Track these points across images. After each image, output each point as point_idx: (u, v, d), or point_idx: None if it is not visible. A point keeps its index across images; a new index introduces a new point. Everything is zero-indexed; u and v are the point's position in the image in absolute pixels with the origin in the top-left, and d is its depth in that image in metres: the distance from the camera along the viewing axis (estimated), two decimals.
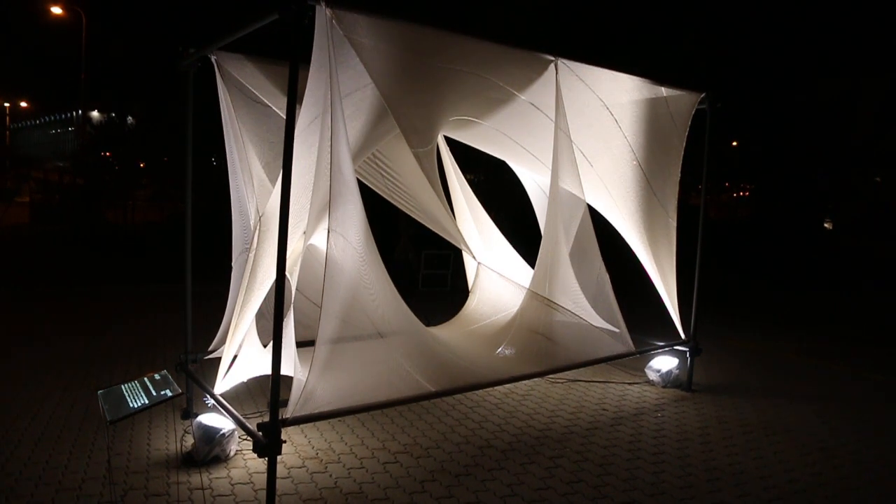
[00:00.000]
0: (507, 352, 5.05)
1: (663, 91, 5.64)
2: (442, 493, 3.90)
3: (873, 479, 4.40)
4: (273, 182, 4.70)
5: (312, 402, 3.59)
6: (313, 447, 4.49)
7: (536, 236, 5.37)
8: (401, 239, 12.08)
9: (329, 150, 3.64)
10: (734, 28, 16.54)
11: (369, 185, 5.48)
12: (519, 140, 5.66)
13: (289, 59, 3.29)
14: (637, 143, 5.64)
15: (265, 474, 3.50)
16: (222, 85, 4.70)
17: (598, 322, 5.33)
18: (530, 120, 5.28)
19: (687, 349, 6.11)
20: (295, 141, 3.44)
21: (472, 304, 6.29)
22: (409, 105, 4.32)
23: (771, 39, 16.98)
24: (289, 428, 3.57)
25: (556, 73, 4.84)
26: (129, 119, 19.85)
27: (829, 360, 7.70)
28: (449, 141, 6.15)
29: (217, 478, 3.97)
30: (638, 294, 6.55)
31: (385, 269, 4.09)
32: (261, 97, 4.77)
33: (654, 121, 5.66)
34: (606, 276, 5.35)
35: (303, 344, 4.33)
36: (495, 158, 6.37)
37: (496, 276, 6.21)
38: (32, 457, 4.16)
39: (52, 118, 68.46)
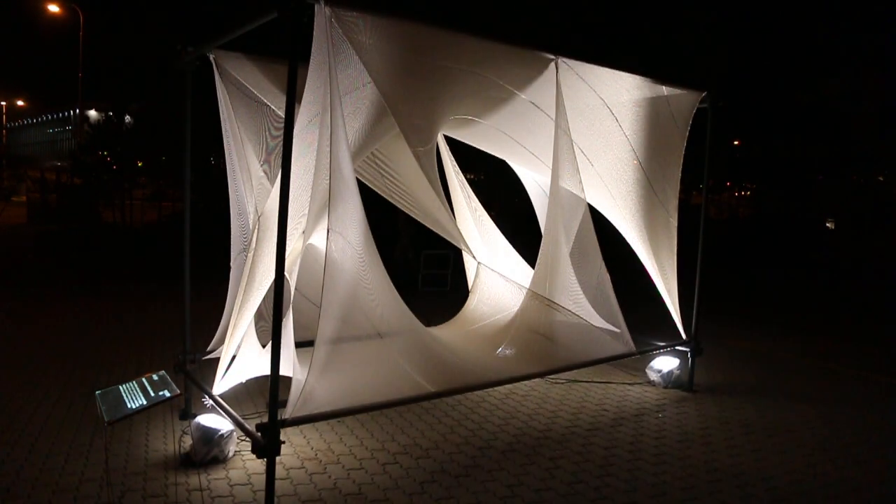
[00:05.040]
0: (507, 352, 5.02)
1: (664, 90, 5.62)
2: (441, 495, 3.88)
3: (876, 479, 4.38)
4: (272, 181, 4.67)
5: (311, 402, 3.57)
6: (312, 448, 4.47)
7: (536, 236, 5.35)
8: (400, 239, 12.06)
9: (328, 149, 3.62)
10: (735, 27, 16.53)
11: (369, 184, 5.46)
12: (519, 139, 5.64)
13: (288, 58, 3.27)
14: (638, 143, 5.61)
15: (264, 475, 3.48)
16: (221, 84, 4.68)
17: (599, 322, 5.31)
18: (531, 119, 5.26)
19: (688, 349, 6.09)
20: (294, 140, 3.41)
21: (472, 304, 6.27)
22: (408, 104, 4.30)
23: (772, 38, 16.97)
24: (288, 429, 3.55)
25: (557, 71, 4.82)
26: (127, 118, 19.78)
27: (832, 361, 7.69)
28: (449, 140, 6.13)
29: (215, 479, 3.94)
30: (638, 294, 6.53)
31: (385, 269, 4.07)
32: (260, 96, 4.74)
33: (655, 120, 5.64)
34: (607, 276, 5.33)
35: (302, 344, 4.30)
36: (495, 158, 6.35)
37: (496, 276, 6.18)
38: (29, 458, 4.13)
39: (50, 117, 68.39)
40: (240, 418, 3.85)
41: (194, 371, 4.86)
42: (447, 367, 4.36)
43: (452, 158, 6.27)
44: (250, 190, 4.75)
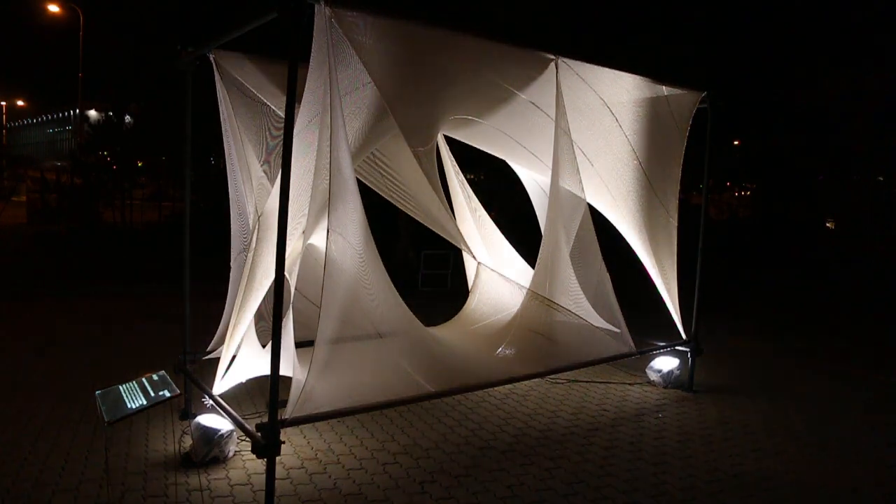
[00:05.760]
0: (507, 352, 5.02)
1: (664, 90, 5.62)
2: (442, 495, 3.88)
3: (877, 480, 4.38)
4: (272, 181, 4.67)
5: (311, 402, 3.57)
6: (312, 448, 4.47)
7: (536, 236, 5.35)
8: (400, 239, 12.06)
9: (328, 149, 3.62)
10: (735, 27, 16.53)
11: (369, 184, 5.46)
12: (519, 139, 5.64)
13: (288, 58, 3.27)
14: (638, 143, 5.61)
15: (264, 475, 3.48)
16: (221, 84, 4.67)
17: (599, 322, 5.30)
18: (530, 119, 5.26)
19: (688, 349, 6.09)
20: (294, 140, 3.41)
21: (472, 304, 6.27)
22: (408, 104, 4.30)
23: (772, 38, 16.97)
24: (288, 429, 3.55)
25: (557, 71, 4.82)
26: (127, 118, 19.79)
27: (832, 361, 7.69)
28: (449, 140, 6.13)
29: (216, 479, 3.94)
30: (639, 294, 6.53)
31: (385, 269, 4.07)
32: (260, 96, 4.74)
33: (655, 120, 5.64)
34: (607, 276, 5.33)
35: (302, 344, 4.30)
36: (495, 158, 6.34)
37: (496, 276, 6.18)
38: (29, 457, 4.13)
39: (50, 117, 68.42)
40: (240, 418, 3.84)
41: (194, 371, 4.86)
42: (447, 367, 4.36)
43: (452, 158, 6.27)
44: (250, 190, 4.75)
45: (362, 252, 3.88)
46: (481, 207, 6.44)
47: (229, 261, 4.99)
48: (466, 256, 6.44)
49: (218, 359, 4.50)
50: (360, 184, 4.10)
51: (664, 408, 5.67)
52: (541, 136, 5.35)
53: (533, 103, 5.12)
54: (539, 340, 5.05)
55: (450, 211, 5.34)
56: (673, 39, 14.88)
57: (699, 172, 6.25)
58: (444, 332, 5.63)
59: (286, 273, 3.71)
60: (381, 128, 4.42)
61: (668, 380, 6.22)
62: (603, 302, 5.34)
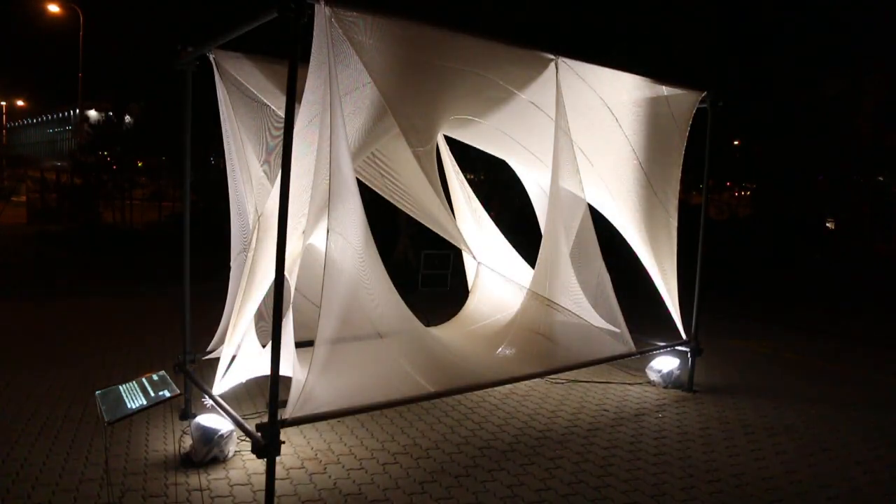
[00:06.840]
0: (507, 352, 5.02)
1: (664, 90, 5.62)
2: (441, 495, 3.88)
3: (876, 480, 4.38)
4: (272, 181, 4.67)
5: (311, 402, 3.57)
6: (312, 448, 4.47)
7: (536, 236, 5.35)
8: (401, 239, 12.06)
9: (328, 149, 3.62)
10: (735, 26, 16.52)
11: (369, 184, 5.46)
12: (519, 139, 5.64)
13: (288, 58, 3.27)
14: (638, 143, 5.62)
15: (264, 475, 3.48)
16: (221, 84, 4.68)
17: (599, 322, 5.31)
18: (530, 119, 5.26)
19: (688, 349, 6.09)
20: (294, 140, 3.41)
21: (472, 304, 6.27)
22: (408, 104, 4.30)
23: (773, 37, 16.96)
24: (287, 429, 3.55)
25: (557, 71, 4.82)
26: (127, 118, 19.80)
27: (831, 361, 7.69)
28: (449, 140, 6.13)
29: (215, 479, 3.94)
30: (639, 294, 6.53)
31: (385, 269, 4.07)
32: (260, 96, 4.74)
33: (655, 120, 5.64)
34: (607, 276, 5.33)
35: (302, 344, 4.30)
36: (495, 158, 6.35)
37: (496, 276, 6.19)
38: (29, 458, 4.13)
39: (50, 117, 68.44)
40: (240, 418, 3.85)
41: (194, 371, 4.86)
42: (447, 367, 4.36)
43: (452, 158, 6.27)
44: (250, 190, 4.75)
45: (362, 252, 3.88)
46: (481, 207, 6.45)
47: (229, 261, 4.99)
48: (466, 256, 6.44)
49: (218, 359, 4.51)
50: (360, 184, 4.10)
51: (664, 408, 5.67)
52: (541, 136, 5.35)
53: (533, 103, 5.13)
54: (539, 340, 5.05)
55: (450, 211, 5.34)
56: (673, 39, 14.87)
57: (699, 172, 6.25)
58: (444, 332, 5.64)
59: (286, 273, 3.71)
60: (381, 128, 4.42)
61: (668, 380, 6.22)
62: (603, 302, 5.34)
